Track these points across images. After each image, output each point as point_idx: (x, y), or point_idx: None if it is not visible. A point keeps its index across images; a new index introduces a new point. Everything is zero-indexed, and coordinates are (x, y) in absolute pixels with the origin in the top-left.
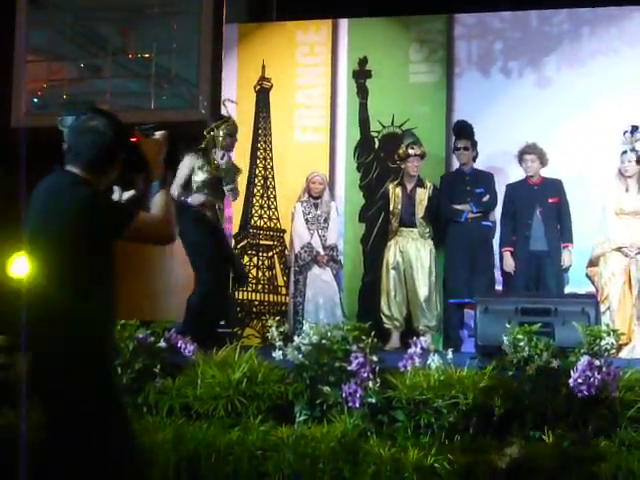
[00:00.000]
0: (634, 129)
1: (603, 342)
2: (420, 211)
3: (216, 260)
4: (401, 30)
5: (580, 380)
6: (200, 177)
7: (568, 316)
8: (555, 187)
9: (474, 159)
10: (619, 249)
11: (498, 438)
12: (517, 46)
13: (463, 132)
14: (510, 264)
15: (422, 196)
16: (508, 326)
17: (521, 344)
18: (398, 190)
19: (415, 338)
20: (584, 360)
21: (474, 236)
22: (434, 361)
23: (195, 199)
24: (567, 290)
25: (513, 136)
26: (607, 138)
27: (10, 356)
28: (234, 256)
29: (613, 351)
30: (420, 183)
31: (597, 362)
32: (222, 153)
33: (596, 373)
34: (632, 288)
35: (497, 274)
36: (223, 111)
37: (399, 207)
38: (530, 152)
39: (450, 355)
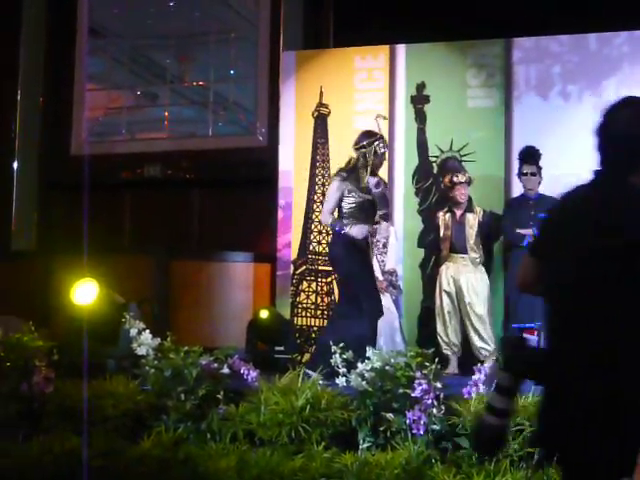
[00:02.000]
0: None
1: None
2: (470, 237)
3: (360, 294)
4: (458, 55)
5: None
6: (350, 201)
7: None
8: None
9: (539, 184)
10: None
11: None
12: (576, 69)
13: (530, 157)
14: None
15: (472, 222)
16: None
17: None
18: (447, 216)
19: (480, 365)
20: None
21: None
22: None
23: (357, 231)
24: None
25: (573, 160)
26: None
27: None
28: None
29: None
30: (469, 209)
31: None
32: (376, 180)
33: None
34: None
35: None
36: (374, 127)
37: (449, 233)
38: None
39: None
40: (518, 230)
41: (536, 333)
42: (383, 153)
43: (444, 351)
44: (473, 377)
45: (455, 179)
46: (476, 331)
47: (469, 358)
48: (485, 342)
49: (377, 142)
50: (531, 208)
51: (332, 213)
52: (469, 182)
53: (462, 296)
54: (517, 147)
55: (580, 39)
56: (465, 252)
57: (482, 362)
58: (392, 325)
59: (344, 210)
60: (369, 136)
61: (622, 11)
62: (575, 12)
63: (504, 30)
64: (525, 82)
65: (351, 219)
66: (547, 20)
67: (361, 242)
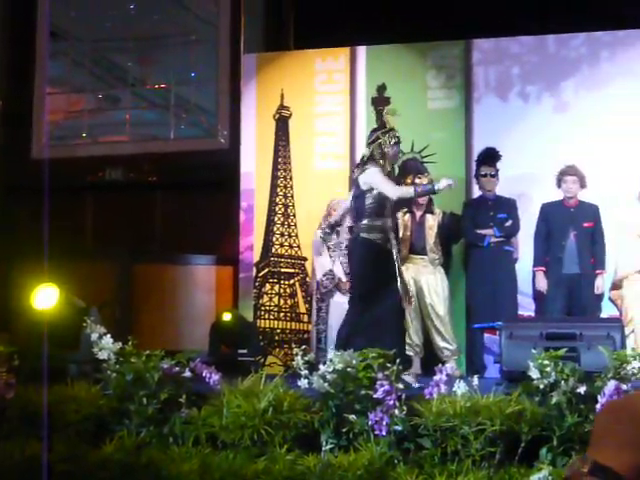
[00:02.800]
0: None
1: (630, 366)
2: (430, 238)
3: (379, 292)
4: (418, 57)
5: None
6: (371, 198)
7: (593, 340)
8: (591, 211)
9: (496, 185)
10: None
11: (526, 464)
12: (535, 71)
13: (490, 159)
14: (542, 284)
15: (431, 223)
16: (534, 351)
17: (547, 369)
18: (407, 217)
19: (441, 365)
20: (611, 385)
21: (496, 261)
22: (460, 388)
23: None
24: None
25: (532, 161)
26: (626, 161)
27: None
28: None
29: None
30: (429, 210)
31: (624, 387)
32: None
33: None
34: None
35: (520, 298)
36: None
37: (409, 235)
38: (572, 174)
39: (476, 381)
40: (477, 231)
41: (497, 333)
42: (395, 144)
43: (407, 352)
44: (434, 377)
45: (417, 180)
46: (438, 331)
47: (432, 358)
48: (447, 342)
49: (388, 134)
50: (490, 209)
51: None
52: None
53: (423, 297)
54: (477, 148)
55: (539, 40)
56: (425, 253)
57: (444, 362)
58: None
59: (364, 207)
60: (380, 129)
61: (581, 12)
62: (534, 13)
63: (463, 32)
64: (485, 83)
65: (371, 216)
66: (506, 21)
67: (382, 242)
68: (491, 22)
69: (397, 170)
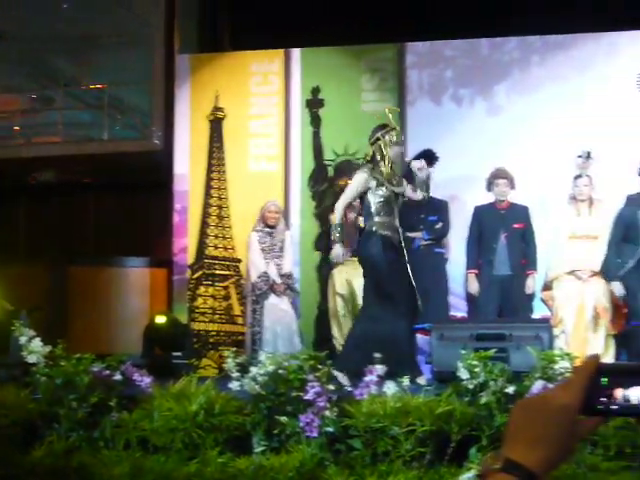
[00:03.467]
0: (587, 154)
1: (557, 366)
2: None
3: (395, 293)
4: (353, 59)
5: None
6: (380, 194)
7: (522, 341)
8: (522, 213)
9: None
10: (572, 272)
11: (456, 464)
12: (468, 74)
13: (427, 160)
14: (474, 287)
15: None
16: (463, 352)
17: (476, 370)
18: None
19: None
20: (539, 385)
21: (427, 263)
22: (390, 388)
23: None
24: (533, 316)
25: (465, 163)
26: (557, 164)
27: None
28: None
29: (568, 375)
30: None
31: (551, 386)
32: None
33: None
34: (585, 311)
35: (454, 300)
36: (386, 121)
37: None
38: (503, 176)
39: (406, 382)
40: (407, 234)
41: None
42: (396, 143)
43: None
44: (365, 378)
45: (348, 183)
46: None
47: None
48: None
49: (390, 133)
50: (421, 211)
51: (346, 206)
52: None
53: (356, 298)
54: (410, 151)
55: (472, 44)
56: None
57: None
58: (290, 327)
59: (372, 205)
60: (381, 128)
61: (513, 16)
62: (467, 17)
63: (398, 35)
64: (418, 86)
65: (381, 214)
66: (440, 25)
67: (394, 238)
68: (425, 25)
69: (331, 172)
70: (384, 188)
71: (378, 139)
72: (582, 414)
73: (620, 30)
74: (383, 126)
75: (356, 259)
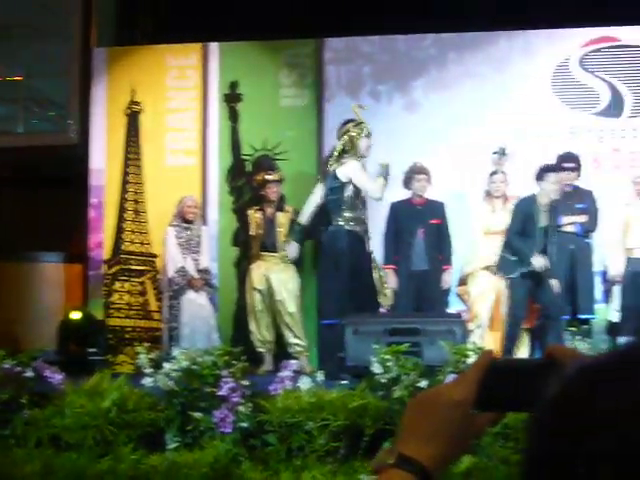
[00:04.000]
0: (502, 151)
1: (469, 360)
2: (281, 235)
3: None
4: (271, 54)
5: None
6: (350, 191)
7: (436, 335)
8: (438, 209)
9: None
10: (487, 268)
11: (369, 458)
12: (385, 70)
13: None
14: (392, 281)
15: (283, 220)
16: (376, 347)
17: (389, 364)
18: (259, 215)
19: (285, 361)
20: (450, 378)
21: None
22: (305, 384)
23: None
24: (449, 310)
25: (382, 159)
26: (473, 160)
27: None
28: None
29: None
30: (280, 207)
31: None
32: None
33: None
34: (500, 306)
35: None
36: (355, 117)
37: (260, 232)
38: (419, 172)
39: (320, 377)
40: (330, 228)
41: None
42: (366, 136)
43: (258, 349)
44: (279, 374)
45: (267, 177)
46: (289, 328)
47: (284, 355)
48: (298, 338)
49: (359, 126)
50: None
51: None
52: (281, 180)
53: (274, 294)
54: (328, 146)
55: (389, 40)
56: (276, 250)
57: (296, 358)
58: (208, 323)
59: (343, 199)
60: (349, 122)
61: (430, 13)
62: (385, 13)
63: (316, 30)
64: (336, 82)
65: (351, 209)
66: (358, 21)
67: (361, 233)
68: (343, 21)
69: (249, 167)
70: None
71: (348, 131)
72: (477, 409)
73: (536, 29)
74: (352, 120)
75: (275, 254)
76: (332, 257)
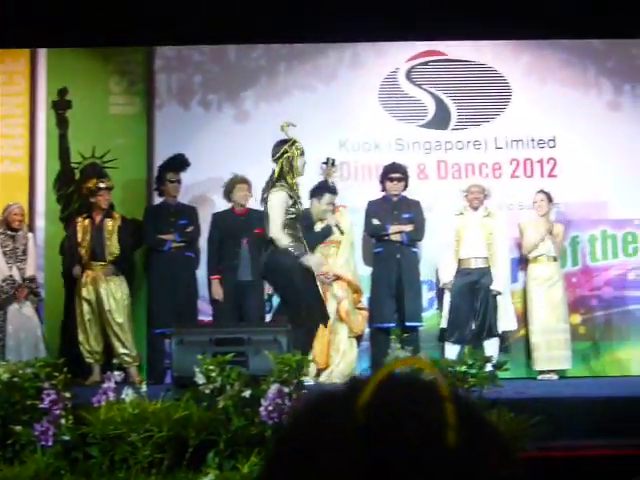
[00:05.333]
0: (332, 162)
1: (293, 370)
2: (110, 243)
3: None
4: (101, 61)
5: (271, 408)
6: (292, 212)
7: (261, 345)
8: (260, 218)
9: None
10: (317, 276)
11: (193, 469)
12: (216, 80)
13: (179, 165)
14: (218, 292)
15: (111, 228)
16: (200, 357)
17: (213, 374)
18: (87, 223)
19: (109, 372)
20: (274, 388)
21: (177, 266)
22: (128, 395)
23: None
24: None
25: (212, 168)
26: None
27: None
28: None
29: (304, 378)
30: (109, 215)
31: (287, 389)
32: None
33: (286, 400)
34: (330, 314)
35: (204, 305)
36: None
37: (89, 240)
38: (242, 182)
39: (144, 388)
40: (159, 236)
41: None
42: (301, 154)
43: (87, 360)
44: (103, 385)
45: (98, 185)
46: (117, 338)
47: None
48: (126, 348)
49: (294, 145)
50: (172, 215)
51: (281, 228)
52: (110, 188)
53: (102, 303)
54: (158, 154)
55: (220, 50)
56: (104, 259)
57: (125, 369)
58: (35, 334)
59: (286, 222)
60: (284, 142)
61: (261, 25)
62: (216, 23)
63: (147, 39)
64: (167, 90)
65: (289, 228)
66: (188, 29)
67: (301, 251)
68: (175, 30)
69: (78, 175)
70: (296, 205)
71: (285, 152)
72: None
73: (364, 42)
74: (285, 141)
75: (104, 263)
76: (277, 277)
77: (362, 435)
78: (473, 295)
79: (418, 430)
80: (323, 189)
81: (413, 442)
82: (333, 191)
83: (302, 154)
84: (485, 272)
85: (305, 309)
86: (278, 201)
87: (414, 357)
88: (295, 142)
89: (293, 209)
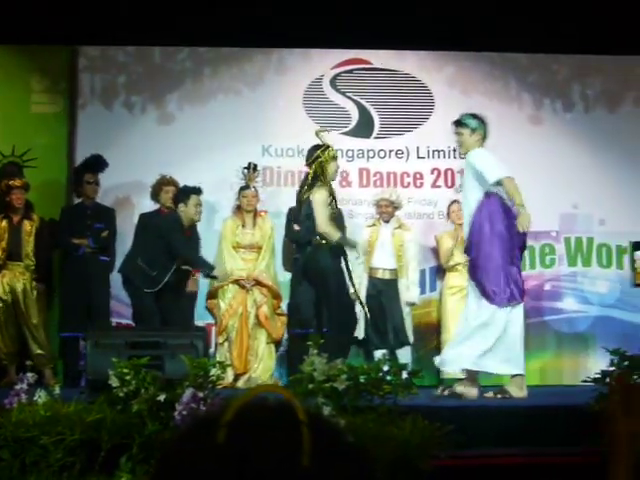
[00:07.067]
0: (254, 167)
1: (211, 373)
2: (27, 244)
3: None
4: (23, 59)
5: (185, 412)
6: (329, 210)
7: (177, 349)
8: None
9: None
10: (236, 281)
11: (106, 473)
12: (140, 81)
13: (96, 166)
14: (193, 286)
15: (29, 229)
16: (114, 360)
17: (128, 377)
18: (4, 223)
19: (22, 374)
20: (188, 392)
21: (91, 270)
22: (41, 397)
23: None
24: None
25: (134, 170)
26: (226, 174)
27: None
28: None
29: (221, 382)
30: (27, 216)
31: (201, 394)
32: None
33: (201, 405)
34: (248, 319)
35: (117, 307)
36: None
37: (6, 240)
38: (169, 184)
39: (57, 390)
40: (73, 240)
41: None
42: (335, 158)
43: (3, 361)
44: (15, 386)
45: (12, 182)
46: (34, 339)
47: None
48: (41, 349)
49: (327, 151)
50: (88, 217)
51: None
52: (26, 187)
53: (18, 304)
54: (80, 155)
55: (144, 51)
56: (21, 259)
57: (39, 371)
58: None
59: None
60: (318, 148)
61: (187, 28)
62: (140, 25)
63: (72, 37)
64: (90, 90)
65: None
66: (114, 30)
67: (339, 247)
68: (98, 29)
69: None
70: (333, 203)
71: (318, 157)
72: None
73: (290, 47)
74: (318, 146)
75: (20, 263)
76: (317, 273)
77: (220, 453)
78: (382, 305)
79: (272, 451)
80: (188, 191)
81: (267, 461)
82: (198, 192)
83: (335, 159)
84: (391, 283)
85: (342, 310)
86: (321, 198)
87: (273, 384)
88: (328, 147)
89: (331, 207)
